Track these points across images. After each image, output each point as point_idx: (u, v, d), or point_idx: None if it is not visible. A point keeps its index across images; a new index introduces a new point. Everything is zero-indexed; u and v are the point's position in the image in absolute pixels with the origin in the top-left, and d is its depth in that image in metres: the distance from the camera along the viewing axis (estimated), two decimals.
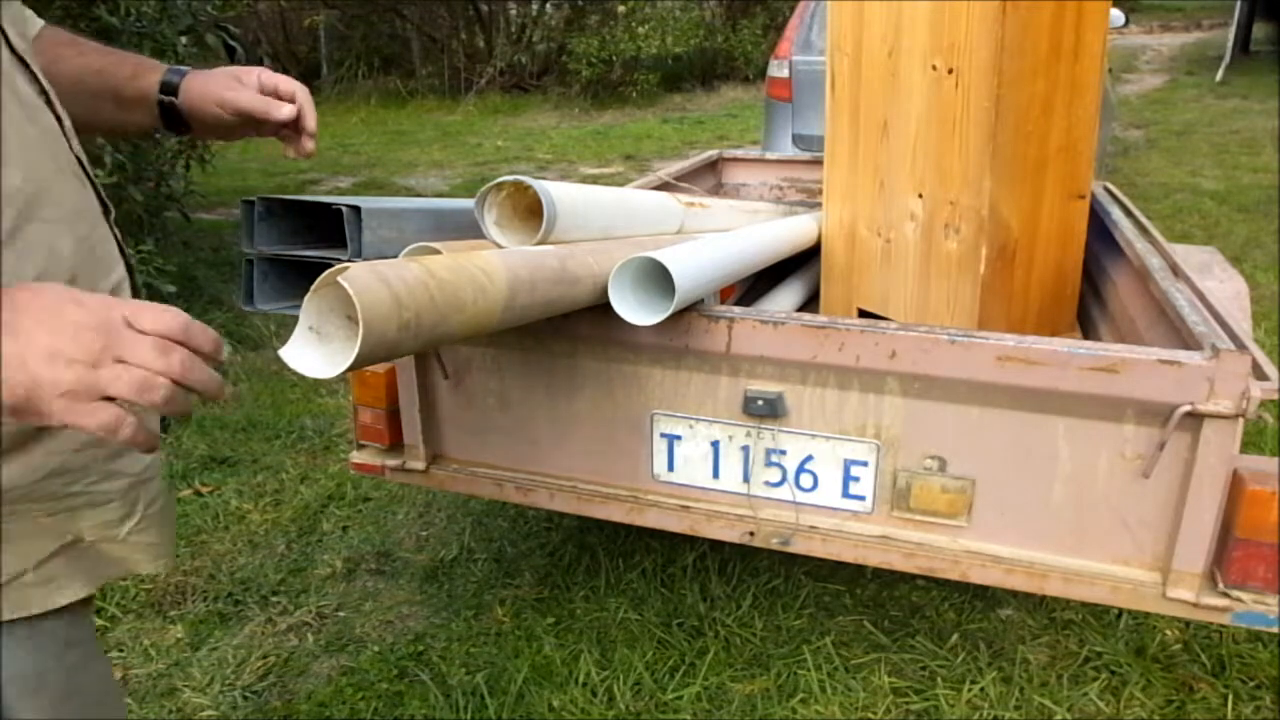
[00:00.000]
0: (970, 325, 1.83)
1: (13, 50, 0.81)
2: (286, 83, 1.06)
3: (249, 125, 1.07)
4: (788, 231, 2.03)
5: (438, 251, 1.20)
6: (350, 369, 0.88)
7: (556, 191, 1.38)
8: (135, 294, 0.94)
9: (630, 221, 1.65)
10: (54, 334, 0.62)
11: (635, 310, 1.34)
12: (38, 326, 0.62)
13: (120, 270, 0.91)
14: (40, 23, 0.98)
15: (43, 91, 0.85)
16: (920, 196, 1.91)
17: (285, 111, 1.04)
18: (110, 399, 0.64)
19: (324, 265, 1.20)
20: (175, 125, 1.06)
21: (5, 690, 0.86)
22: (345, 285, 0.85)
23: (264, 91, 1.05)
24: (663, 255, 1.33)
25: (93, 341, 0.63)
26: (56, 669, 0.90)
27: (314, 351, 0.89)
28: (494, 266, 1.10)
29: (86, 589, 0.90)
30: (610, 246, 1.39)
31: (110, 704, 1.00)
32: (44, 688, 0.89)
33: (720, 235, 1.70)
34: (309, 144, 1.07)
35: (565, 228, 1.40)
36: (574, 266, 1.27)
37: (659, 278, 1.36)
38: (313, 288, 0.88)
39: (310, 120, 1.06)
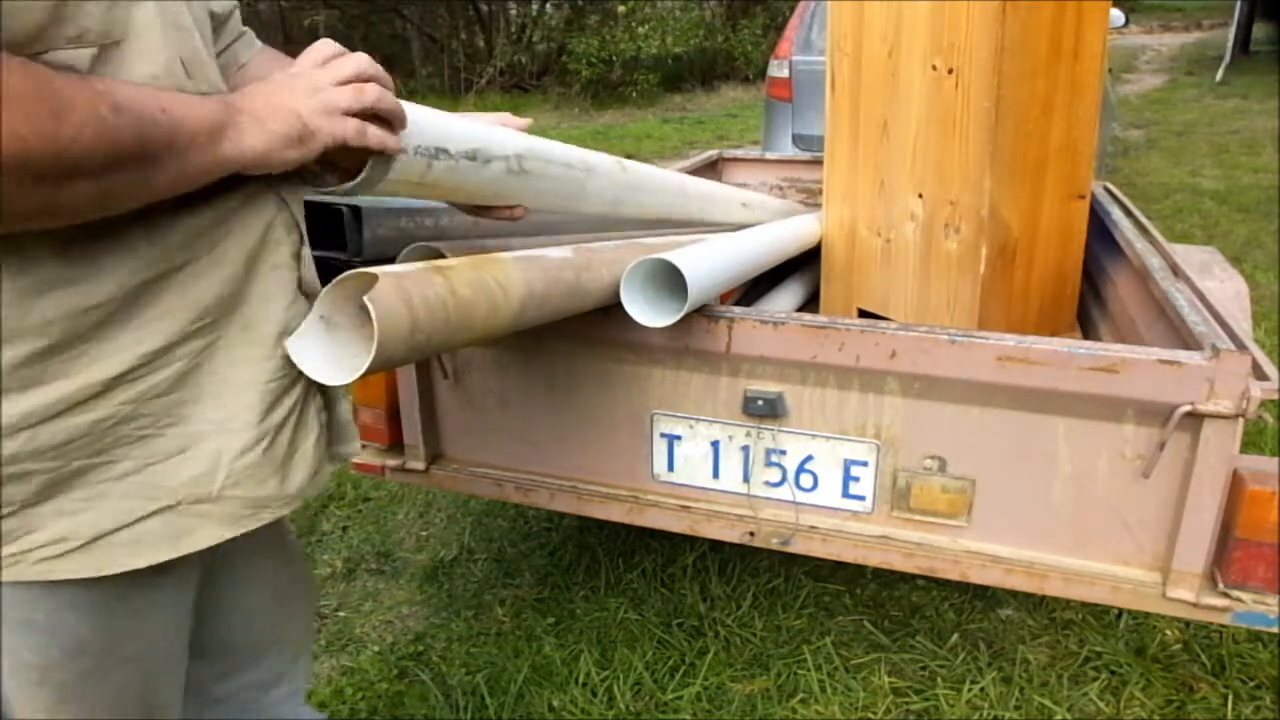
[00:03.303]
0: (970, 325, 1.83)
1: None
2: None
3: None
4: (792, 232, 2.03)
5: (439, 253, 1.20)
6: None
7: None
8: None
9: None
10: (286, 86, 0.86)
11: (646, 312, 1.34)
12: (272, 92, 0.85)
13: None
14: (257, 45, 1.10)
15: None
16: (920, 196, 1.91)
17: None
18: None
19: (325, 265, 1.20)
20: None
21: (44, 648, 0.85)
22: (370, 307, 0.85)
23: None
24: (675, 257, 1.33)
25: (313, 83, 0.87)
26: (103, 630, 0.88)
27: (319, 343, 0.90)
28: (513, 283, 1.10)
29: (170, 553, 0.88)
30: (625, 255, 1.39)
31: (159, 681, 0.97)
32: (84, 653, 0.88)
33: (730, 236, 1.70)
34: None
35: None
36: (587, 280, 1.28)
37: (670, 279, 1.36)
38: (335, 281, 0.90)
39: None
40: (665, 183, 1.68)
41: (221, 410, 0.89)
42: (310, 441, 0.99)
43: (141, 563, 0.85)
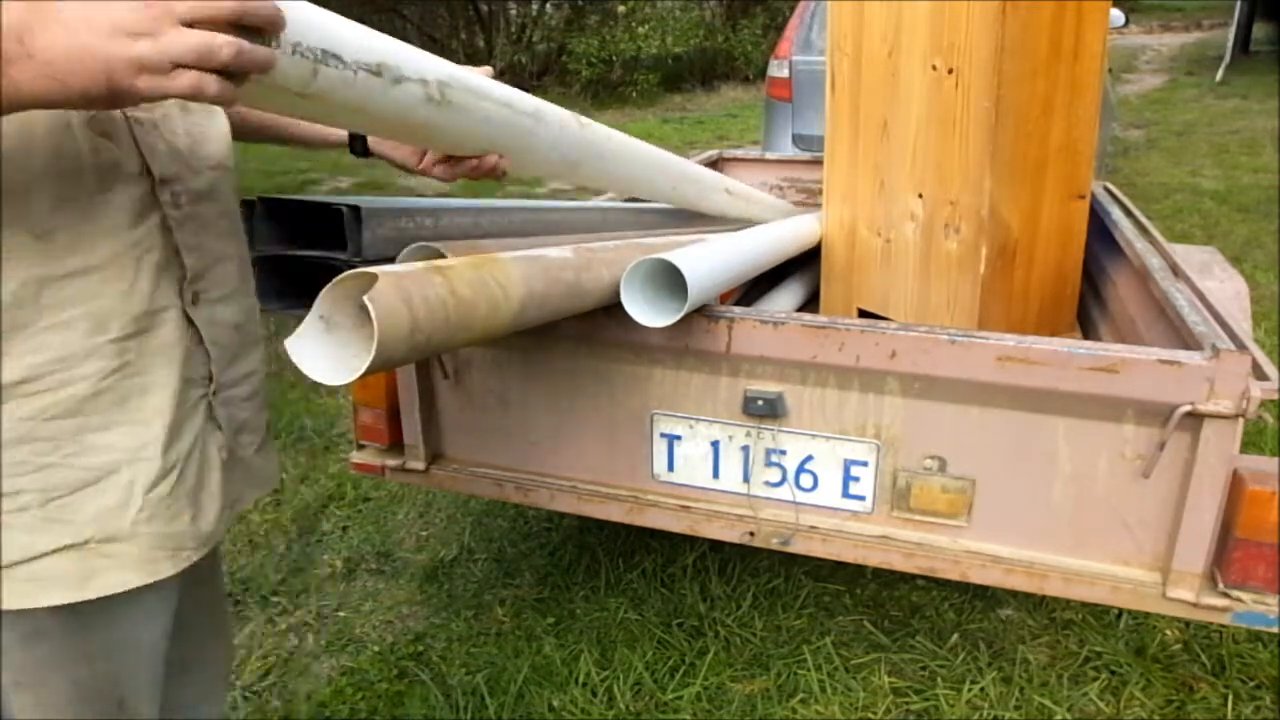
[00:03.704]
0: (970, 325, 1.83)
1: None
2: None
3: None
4: (792, 232, 2.03)
5: (439, 253, 1.20)
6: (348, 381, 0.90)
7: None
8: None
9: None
10: (105, 12, 0.62)
11: (646, 312, 1.34)
12: (86, 11, 0.62)
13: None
14: None
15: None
16: (920, 196, 1.91)
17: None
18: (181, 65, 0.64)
19: (325, 265, 1.20)
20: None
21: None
22: (370, 306, 0.85)
23: None
24: (675, 257, 1.33)
25: (145, 10, 0.63)
26: (22, 664, 0.85)
27: (318, 344, 0.90)
28: (513, 283, 1.10)
29: (75, 595, 0.82)
30: (625, 255, 1.39)
31: (124, 695, 0.93)
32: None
33: (730, 235, 1.70)
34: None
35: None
36: (587, 280, 1.27)
37: (670, 279, 1.36)
38: (334, 280, 0.88)
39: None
40: (636, 152, 1.57)
41: (133, 439, 0.84)
42: (216, 477, 0.94)
43: (39, 603, 0.81)
